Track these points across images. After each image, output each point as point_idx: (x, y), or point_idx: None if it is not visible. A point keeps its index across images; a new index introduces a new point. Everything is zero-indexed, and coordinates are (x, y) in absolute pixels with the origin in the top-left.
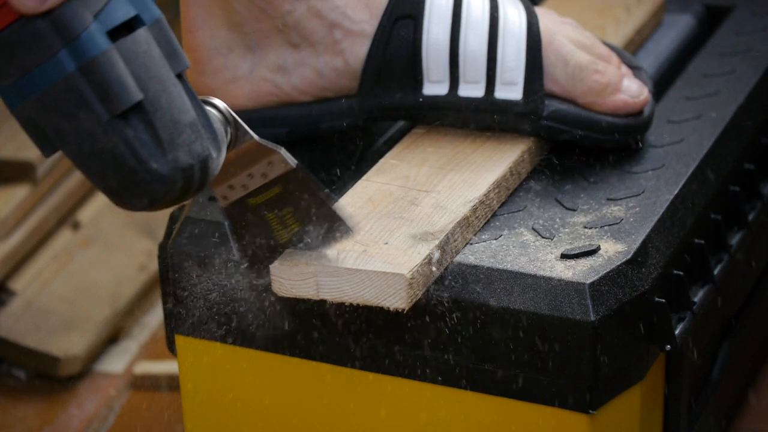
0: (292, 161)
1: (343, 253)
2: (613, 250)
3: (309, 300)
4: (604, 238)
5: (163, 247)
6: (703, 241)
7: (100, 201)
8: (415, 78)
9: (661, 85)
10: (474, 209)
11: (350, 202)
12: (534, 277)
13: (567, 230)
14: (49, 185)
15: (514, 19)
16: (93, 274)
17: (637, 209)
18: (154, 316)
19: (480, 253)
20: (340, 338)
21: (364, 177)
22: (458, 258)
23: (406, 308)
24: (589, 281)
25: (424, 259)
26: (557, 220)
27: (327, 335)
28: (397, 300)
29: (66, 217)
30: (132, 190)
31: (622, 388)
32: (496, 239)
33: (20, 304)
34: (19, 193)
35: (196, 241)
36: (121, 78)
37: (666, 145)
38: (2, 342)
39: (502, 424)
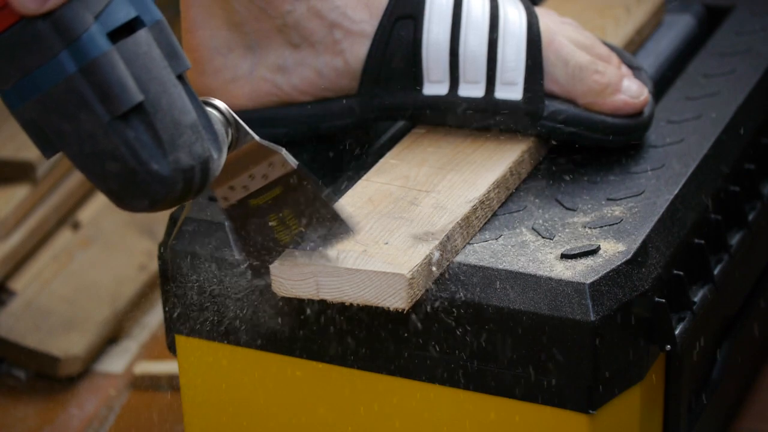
0: (293, 162)
1: (343, 253)
2: (613, 250)
3: (309, 300)
4: (604, 238)
5: (163, 247)
6: (703, 241)
7: (100, 201)
8: (415, 78)
9: (661, 85)
10: (474, 209)
11: (350, 202)
12: (534, 277)
13: (567, 230)
14: (49, 185)
15: (514, 19)
16: (93, 274)
17: (637, 209)
18: (154, 316)
19: (480, 253)
20: (340, 338)
21: (364, 177)
22: (458, 258)
23: (407, 308)
24: (589, 281)
25: (424, 259)
26: (557, 220)
27: (327, 335)
28: (397, 300)
29: (66, 217)
30: (133, 191)
31: (622, 388)
32: (496, 239)
33: (20, 304)
34: (19, 193)
35: (196, 241)
36: (121, 79)
37: (666, 145)
38: (2, 342)
39: (502, 424)
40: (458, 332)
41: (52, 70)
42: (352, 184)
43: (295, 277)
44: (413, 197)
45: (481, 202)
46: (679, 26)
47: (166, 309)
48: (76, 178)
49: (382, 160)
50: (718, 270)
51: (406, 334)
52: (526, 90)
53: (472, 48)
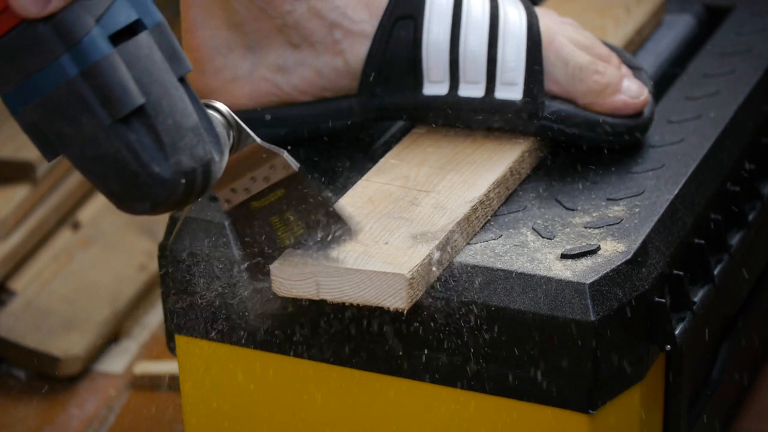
0: (295, 164)
1: (343, 253)
2: (613, 250)
3: (309, 300)
4: (604, 238)
5: (163, 247)
6: (703, 241)
7: (100, 201)
8: (415, 78)
9: (661, 85)
10: (474, 209)
11: (350, 202)
12: (534, 277)
13: (567, 230)
14: (49, 185)
15: (514, 19)
16: (93, 274)
17: (637, 209)
18: (154, 316)
19: (480, 253)
20: (340, 338)
21: (364, 177)
22: (458, 258)
23: (407, 308)
24: (589, 281)
25: (424, 259)
26: (557, 220)
27: (327, 335)
28: (397, 300)
29: (66, 217)
30: (134, 194)
31: (622, 388)
32: (496, 239)
33: (20, 304)
34: (19, 193)
35: (196, 241)
36: (122, 82)
37: (666, 145)
38: (2, 342)
39: (502, 424)
40: (458, 332)
41: (54, 73)
42: (352, 184)
43: (295, 277)
44: (413, 197)
45: (481, 202)
46: (679, 26)
47: (166, 309)
48: (76, 178)
49: (382, 160)
50: (718, 270)
51: (406, 334)
52: (526, 90)
53: (472, 48)
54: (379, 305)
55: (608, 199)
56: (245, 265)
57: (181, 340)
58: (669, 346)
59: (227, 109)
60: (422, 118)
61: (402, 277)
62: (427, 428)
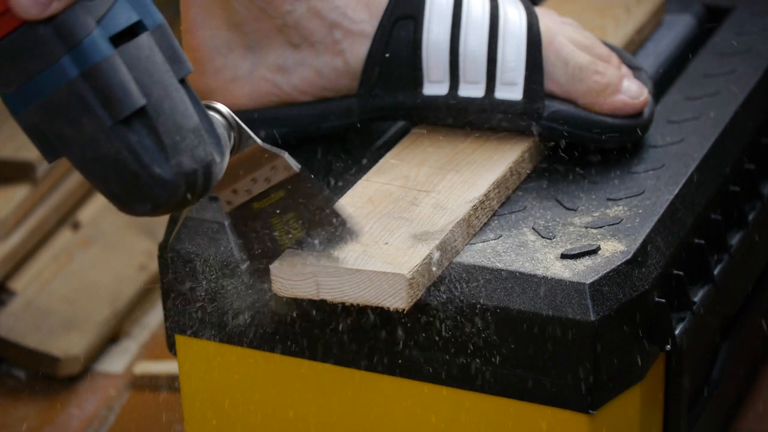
0: (296, 165)
1: (343, 253)
2: (613, 250)
3: (309, 300)
4: (604, 238)
5: (163, 247)
6: (703, 241)
7: (100, 201)
8: (415, 78)
9: (661, 85)
10: (474, 209)
11: (350, 202)
12: (534, 277)
13: (567, 230)
14: (49, 185)
15: (514, 19)
16: (93, 274)
17: (637, 209)
18: (154, 316)
19: (480, 253)
20: (340, 338)
21: (364, 177)
22: (458, 258)
23: (407, 308)
24: (589, 281)
25: (424, 259)
26: (557, 220)
27: (327, 335)
28: (398, 300)
29: (66, 217)
30: (135, 195)
31: (622, 388)
32: (496, 239)
33: (20, 304)
34: (19, 193)
35: (196, 241)
36: (123, 83)
37: (666, 145)
38: (2, 342)
39: (502, 424)
40: (458, 332)
41: (54, 74)
42: (352, 184)
43: (295, 278)
44: (413, 197)
45: (481, 202)
46: (679, 26)
47: (166, 309)
48: (76, 178)
49: (382, 160)
50: (718, 270)
51: (406, 334)
52: (526, 90)
53: (472, 48)
54: (379, 305)
55: (608, 199)
56: (246, 266)
57: (181, 340)
58: (669, 346)
59: (228, 110)
60: (422, 118)
61: (402, 277)
62: (427, 428)
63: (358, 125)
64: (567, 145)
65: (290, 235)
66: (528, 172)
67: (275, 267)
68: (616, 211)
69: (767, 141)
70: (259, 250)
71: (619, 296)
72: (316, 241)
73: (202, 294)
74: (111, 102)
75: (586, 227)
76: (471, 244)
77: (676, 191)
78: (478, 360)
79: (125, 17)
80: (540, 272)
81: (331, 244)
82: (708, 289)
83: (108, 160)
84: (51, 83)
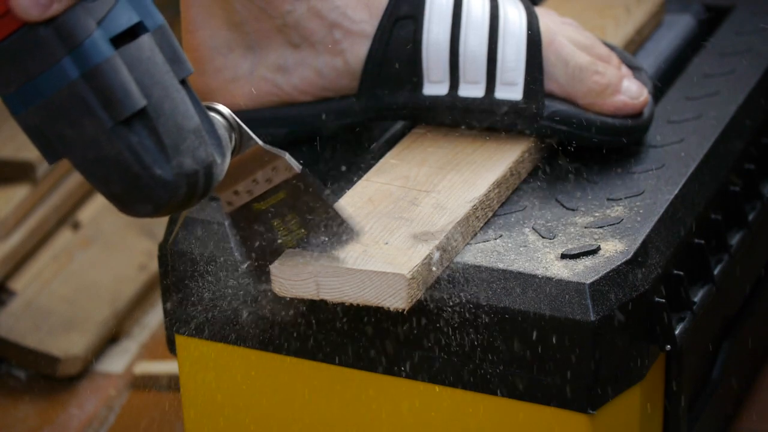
0: (297, 166)
1: (343, 253)
2: (613, 250)
3: (309, 300)
4: (604, 238)
5: (163, 247)
6: (703, 241)
7: (100, 201)
8: (415, 78)
9: (661, 85)
10: (474, 209)
11: (350, 202)
12: (534, 277)
13: (567, 230)
14: (49, 185)
15: (514, 19)
16: (93, 274)
17: (637, 209)
18: (154, 316)
19: (480, 253)
20: (340, 338)
21: (364, 177)
22: (458, 258)
23: (407, 308)
24: (589, 281)
25: (424, 259)
26: (557, 220)
27: (327, 335)
28: (398, 300)
29: (66, 217)
30: (136, 196)
31: (622, 388)
32: (496, 239)
33: (20, 304)
34: (19, 193)
35: (196, 241)
36: (124, 84)
37: (666, 145)
38: (2, 342)
39: (502, 424)
40: (458, 332)
41: (55, 76)
42: (352, 184)
43: (295, 278)
44: (413, 197)
45: (481, 202)
46: (679, 26)
47: (166, 309)
48: (76, 178)
49: (382, 160)
50: (718, 270)
51: (406, 334)
52: (526, 90)
53: (472, 48)
54: (379, 305)
55: (608, 199)
56: (247, 267)
57: (181, 340)
58: (669, 346)
59: (229, 111)
60: (422, 118)
61: (402, 277)
62: (426, 428)
63: (358, 125)
64: (567, 145)
65: (291, 236)
66: (528, 172)
67: (275, 267)
68: (616, 211)
69: (767, 141)
70: (261, 251)
71: (619, 296)
72: (317, 242)
73: (202, 294)
74: (112, 103)
75: (586, 227)
76: (471, 244)
77: (676, 191)
78: (478, 360)
79: (126, 18)
80: (540, 272)
81: (332, 244)
82: (708, 289)
83: (109, 162)
84: (52, 84)
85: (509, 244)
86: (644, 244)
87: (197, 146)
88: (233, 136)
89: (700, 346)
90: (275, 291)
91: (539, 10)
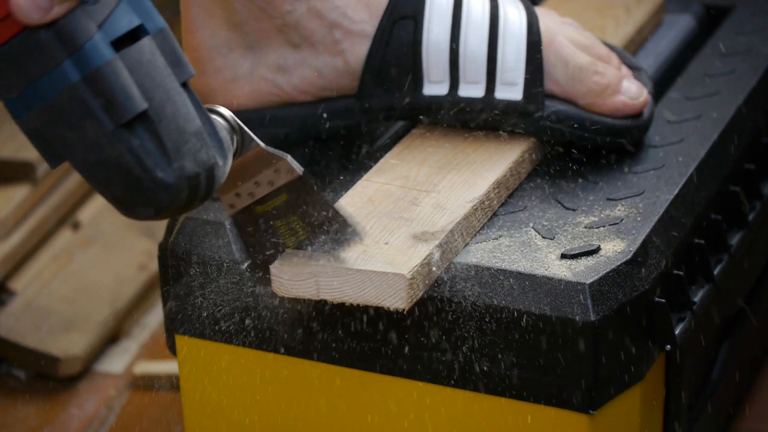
0: (299, 168)
1: (343, 253)
2: (613, 250)
3: (309, 300)
4: (604, 238)
5: (163, 247)
6: (703, 241)
7: (100, 201)
8: (415, 78)
9: (661, 85)
10: (474, 209)
11: (350, 202)
12: (534, 277)
13: (567, 230)
14: (49, 185)
15: (514, 19)
16: (93, 274)
17: (637, 209)
18: (154, 316)
19: (480, 253)
20: (339, 338)
21: (364, 177)
22: (458, 258)
23: (407, 308)
24: (589, 281)
25: (425, 259)
26: (557, 220)
27: (327, 335)
28: (398, 300)
29: (66, 217)
30: (138, 199)
31: (622, 388)
32: (496, 239)
33: (20, 304)
34: (19, 193)
35: (196, 241)
36: (125, 87)
37: (666, 145)
38: (2, 342)
39: (502, 424)
40: (458, 332)
41: (56, 79)
42: (352, 184)
43: (295, 278)
44: (413, 197)
45: (481, 202)
46: (679, 26)
47: (166, 309)
48: (76, 178)
49: (382, 160)
50: (718, 270)
51: (406, 334)
52: (526, 90)
53: (472, 48)
54: (380, 305)
55: (608, 199)
56: (249, 269)
57: (181, 340)
58: (669, 346)
59: (231, 113)
60: (422, 118)
61: (402, 277)
62: (427, 428)
63: (358, 125)
64: (567, 145)
65: (294, 238)
66: (528, 172)
67: (275, 267)
68: (616, 211)
69: (767, 141)
70: (263, 253)
71: (619, 296)
72: (320, 243)
73: (202, 294)
74: (113, 106)
75: (586, 227)
76: (471, 244)
77: (676, 191)
78: (477, 360)
79: (126, 21)
80: (540, 272)
81: (334, 245)
82: (708, 289)
83: (110, 165)
84: (53, 88)
85: (509, 244)
86: (644, 244)
87: (199, 149)
88: (235, 138)
89: (700, 346)
90: (275, 291)
91: (539, 10)
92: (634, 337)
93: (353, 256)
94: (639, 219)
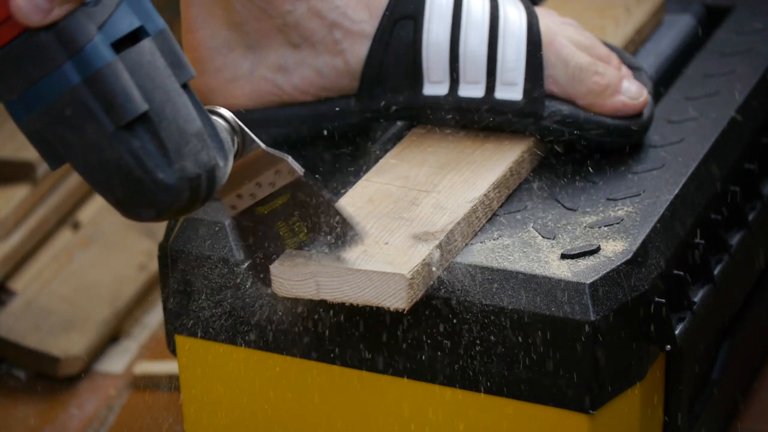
0: (300, 169)
1: (343, 253)
2: (613, 250)
3: (309, 300)
4: (604, 238)
5: (163, 247)
6: (703, 241)
7: (100, 201)
8: (415, 78)
9: (661, 85)
10: (474, 209)
11: (350, 202)
12: (534, 277)
13: (567, 230)
14: (49, 185)
15: (514, 19)
16: (93, 274)
17: (637, 209)
18: (154, 316)
19: (480, 253)
20: (340, 338)
21: (364, 177)
22: (458, 258)
23: (407, 308)
24: (589, 281)
25: (425, 259)
26: (557, 220)
27: (327, 335)
28: (398, 300)
29: (66, 217)
30: (139, 200)
31: (622, 388)
32: (496, 239)
33: (20, 304)
34: (19, 193)
35: (196, 241)
36: (126, 89)
37: (666, 145)
38: (2, 342)
39: (502, 424)
40: (458, 332)
41: (56, 81)
42: (352, 184)
43: (295, 278)
44: (413, 197)
45: (481, 202)
46: (679, 26)
47: (166, 309)
48: (76, 178)
49: (382, 160)
50: (718, 270)
51: (406, 335)
52: (526, 90)
53: (472, 48)
54: (380, 305)
55: (608, 199)
56: (251, 270)
57: (181, 340)
58: (669, 346)
59: (231, 115)
60: (422, 118)
61: (402, 277)
62: (426, 428)
63: (358, 125)
64: (567, 145)
65: (295, 239)
66: (528, 172)
67: (275, 267)
68: (616, 211)
69: (767, 141)
70: (265, 255)
71: (619, 296)
72: (321, 244)
73: (202, 294)
74: (113, 108)
75: (587, 227)
76: (471, 244)
77: (676, 191)
78: (477, 360)
79: (127, 23)
80: (540, 272)
81: (339, 248)
82: (708, 289)
83: (111, 166)
84: (53, 90)
85: (509, 244)
86: (644, 244)
87: (199, 150)
88: (236, 139)
89: (700, 346)
90: (275, 291)
91: (539, 10)
92: (634, 337)
93: (353, 256)
94: (639, 219)
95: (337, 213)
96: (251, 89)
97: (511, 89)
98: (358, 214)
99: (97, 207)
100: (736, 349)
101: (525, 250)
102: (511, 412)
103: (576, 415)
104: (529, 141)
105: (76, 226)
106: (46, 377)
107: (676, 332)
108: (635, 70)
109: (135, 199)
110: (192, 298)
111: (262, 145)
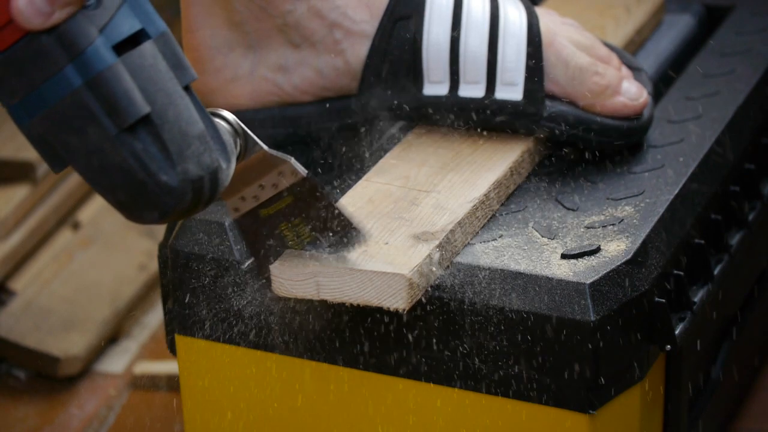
0: (303, 171)
1: (343, 253)
2: (613, 250)
3: (309, 300)
4: (604, 238)
5: (163, 247)
6: (703, 241)
7: (100, 201)
8: (415, 78)
9: (661, 85)
10: (474, 209)
11: (350, 202)
12: (534, 277)
13: (567, 230)
14: (49, 185)
15: (514, 19)
16: (93, 274)
17: (637, 209)
18: (154, 316)
19: (480, 253)
20: (340, 338)
21: (364, 177)
22: (458, 258)
23: (407, 308)
24: (589, 281)
25: (425, 259)
26: (557, 220)
27: (327, 335)
28: (398, 300)
29: (66, 217)
30: (142, 203)
31: (622, 388)
32: (496, 239)
33: (20, 304)
34: (19, 193)
35: (196, 241)
36: (127, 92)
37: (666, 145)
38: (2, 342)
39: (502, 424)
40: (458, 332)
41: (58, 84)
42: (352, 185)
43: (295, 278)
44: (413, 197)
45: (481, 202)
46: (679, 26)
47: (166, 309)
48: (76, 178)
49: (382, 160)
50: (718, 270)
51: (406, 335)
52: (526, 91)
53: (472, 48)
54: (380, 305)
55: (608, 199)
56: (254, 272)
57: (181, 340)
58: (669, 346)
59: (233, 117)
60: (422, 118)
61: (402, 277)
62: (427, 428)
63: (358, 125)
64: (567, 145)
65: (299, 240)
66: (528, 172)
67: (275, 267)
68: (616, 211)
69: (767, 141)
70: (268, 256)
71: (619, 296)
72: (327, 246)
73: (202, 294)
74: (115, 110)
75: (586, 227)
76: (471, 244)
77: (676, 191)
78: (477, 360)
79: (128, 25)
80: (540, 272)
81: (337, 246)
82: (708, 289)
83: (114, 169)
84: (55, 93)
85: (509, 244)
86: (644, 244)
87: (202, 152)
88: (238, 141)
89: (700, 346)
90: (275, 291)
91: (539, 10)
92: (634, 337)
93: (353, 256)
94: (639, 219)
95: (341, 214)
96: (251, 89)
97: (511, 89)
98: (358, 214)
99: (97, 207)
100: (736, 349)
101: (525, 250)
102: (511, 412)
103: (576, 415)
104: (529, 141)
105: (76, 226)
106: (46, 377)
107: (676, 332)
108: (635, 70)
109: (138, 201)
110: (192, 298)
111: (265, 146)
